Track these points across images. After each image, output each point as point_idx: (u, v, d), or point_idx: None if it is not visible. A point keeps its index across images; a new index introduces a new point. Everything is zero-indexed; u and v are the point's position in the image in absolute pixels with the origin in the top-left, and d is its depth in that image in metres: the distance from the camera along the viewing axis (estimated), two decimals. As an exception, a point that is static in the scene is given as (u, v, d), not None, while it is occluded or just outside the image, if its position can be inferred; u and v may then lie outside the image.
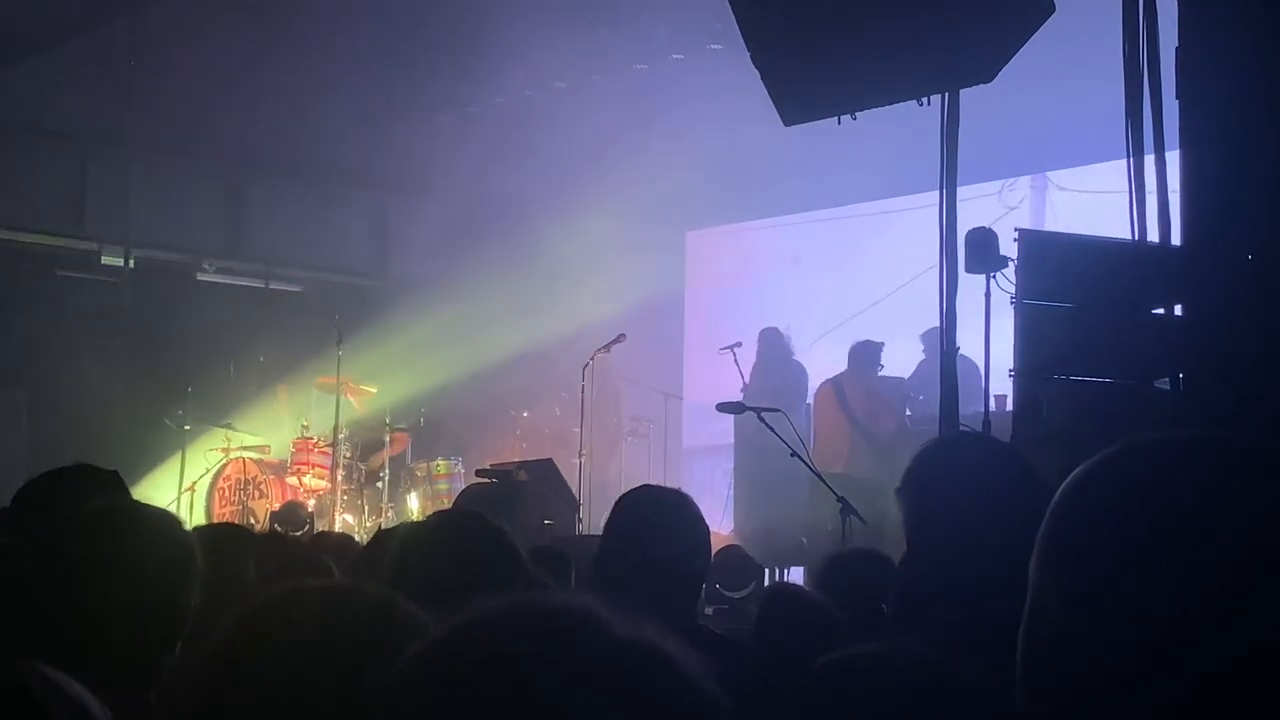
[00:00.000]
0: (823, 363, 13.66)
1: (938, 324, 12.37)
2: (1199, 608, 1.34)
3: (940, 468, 2.59)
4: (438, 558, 2.61)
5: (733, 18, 6.78)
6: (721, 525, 13.82)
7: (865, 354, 12.80)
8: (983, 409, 7.74)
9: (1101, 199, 12.96)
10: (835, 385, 12.44)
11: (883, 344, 12.95)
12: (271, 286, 17.05)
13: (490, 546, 2.70)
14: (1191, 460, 1.42)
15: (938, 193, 6.78)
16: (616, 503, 3.74)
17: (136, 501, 2.80)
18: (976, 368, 8.93)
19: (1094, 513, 1.41)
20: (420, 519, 2.74)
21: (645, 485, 3.94)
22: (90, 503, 2.78)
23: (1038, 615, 1.42)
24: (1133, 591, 1.35)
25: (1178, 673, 1.33)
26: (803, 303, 15.96)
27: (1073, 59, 10.26)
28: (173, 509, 12.77)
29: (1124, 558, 1.37)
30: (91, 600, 2.55)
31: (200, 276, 16.70)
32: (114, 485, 3.46)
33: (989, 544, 2.40)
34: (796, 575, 12.65)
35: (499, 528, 2.75)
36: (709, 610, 7.99)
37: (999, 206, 13.78)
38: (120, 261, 16.01)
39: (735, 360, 13.31)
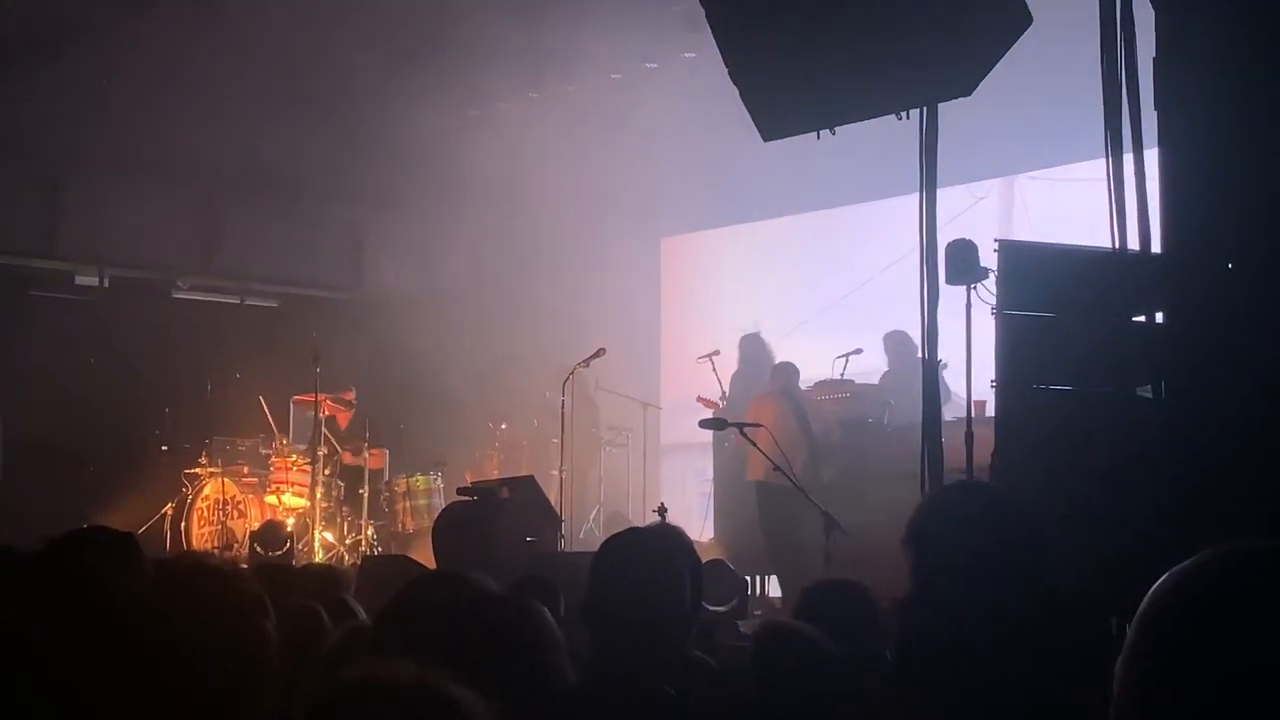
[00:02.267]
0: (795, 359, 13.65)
1: (895, 329, 12.61)
2: None
3: (945, 518, 2.57)
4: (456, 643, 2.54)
5: (708, 28, 6.78)
6: (701, 533, 13.83)
7: (792, 369, 12.78)
8: (964, 416, 7.74)
9: (1069, 190, 13.11)
10: (789, 399, 12.32)
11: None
12: (247, 303, 16.98)
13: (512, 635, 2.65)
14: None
15: (916, 199, 6.79)
16: (602, 549, 3.70)
17: (214, 568, 2.68)
18: (943, 369, 8.96)
19: (1198, 629, 1.38)
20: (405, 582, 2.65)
21: (632, 531, 3.89)
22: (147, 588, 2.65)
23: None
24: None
25: None
26: (777, 305, 15.97)
27: (1047, 63, 10.27)
28: (151, 530, 12.81)
29: (1235, 680, 1.33)
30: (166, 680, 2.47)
31: (175, 294, 16.62)
32: (131, 551, 3.40)
33: (994, 596, 2.39)
34: (777, 582, 12.65)
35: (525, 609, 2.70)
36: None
37: (968, 197, 13.80)
38: (94, 281, 15.95)
39: (714, 369, 13.31)
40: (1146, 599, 1.44)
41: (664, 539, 3.84)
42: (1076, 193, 12.02)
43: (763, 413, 11.62)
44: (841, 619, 4.00)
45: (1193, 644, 1.38)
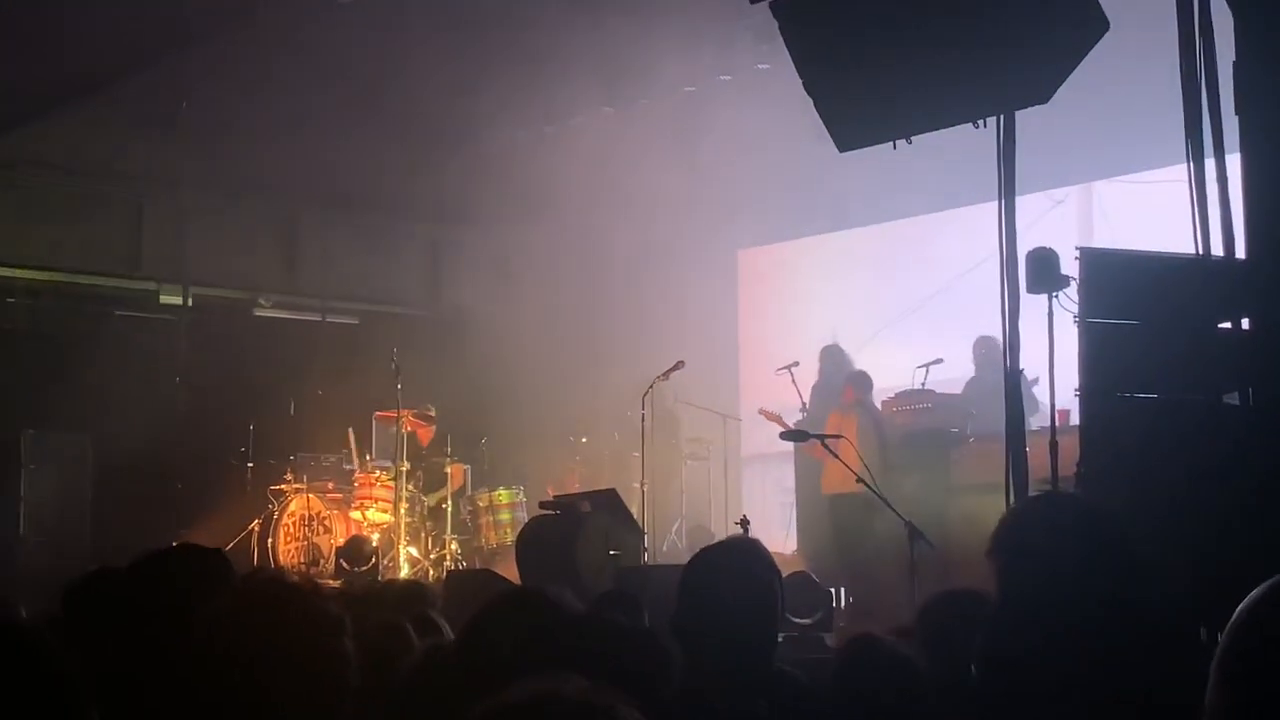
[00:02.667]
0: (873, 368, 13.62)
1: (984, 334, 12.52)
2: None
3: (1032, 530, 2.56)
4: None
5: (780, 40, 6.78)
6: (785, 545, 13.80)
7: (866, 380, 12.79)
8: (1048, 425, 7.69)
9: (1150, 193, 12.98)
10: (865, 409, 12.30)
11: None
12: (328, 320, 17.13)
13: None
14: None
15: (994, 207, 6.75)
16: (690, 564, 3.72)
17: (294, 592, 2.70)
18: (1029, 380, 8.90)
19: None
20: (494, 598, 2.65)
21: (719, 546, 3.90)
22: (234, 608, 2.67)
23: None
24: None
25: None
26: (853, 315, 15.92)
27: (1125, 69, 10.18)
28: (239, 547, 12.96)
29: None
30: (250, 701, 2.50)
31: (257, 312, 16.81)
32: (222, 568, 3.44)
33: (1082, 609, 2.38)
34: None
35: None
36: (779, 637, 7.94)
37: (1045, 201, 13.71)
38: (178, 300, 16.15)
39: (793, 380, 13.29)
40: (1240, 609, 1.44)
41: (747, 553, 3.84)
42: (1157, 196, 11.89)
43: (841, 424, 11.60)
44: (961, 632, 3.96)
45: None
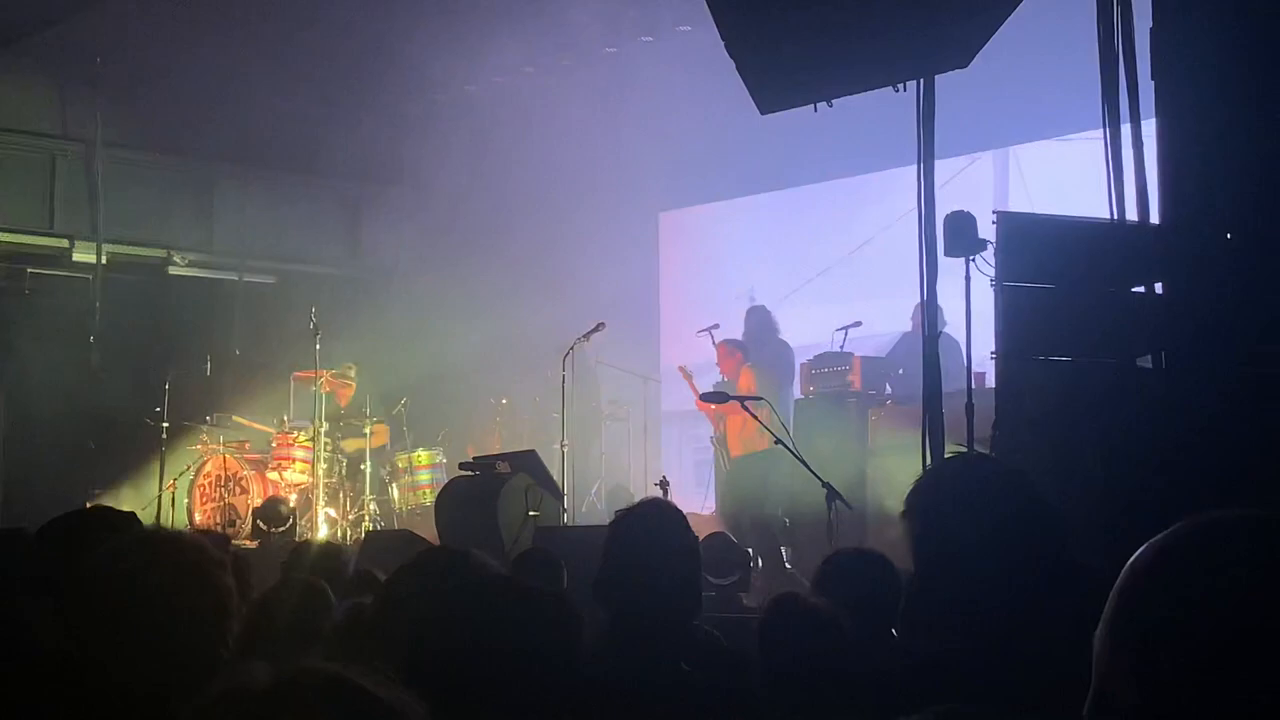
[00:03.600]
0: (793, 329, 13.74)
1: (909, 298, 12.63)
2: None
3: (945, 492, 2.58)
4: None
5: (703, 1, 6.77)
6: (704, 505, 13.87)
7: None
8: (965, 388, 7.75)
9: (1065, 157, 13.12)
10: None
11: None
12: (245, 279, 16.94)
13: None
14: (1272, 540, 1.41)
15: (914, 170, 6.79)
16: (613, 527, 3.71)
17: (173, 535, 2.74)
18: (959, 346, 8.97)
19: (1179, 598, 1.39)
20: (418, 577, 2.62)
21: (642, 507, 3.90)
22: (118, 550, 2.72)
23: (1106, 698, 1.41)
24: (1234, 683, 1.34)
25: None
26: (773, 276, 16.01)
27: (1044, 34, 10.26)
28: (153, 507, 12.84)
29: (1222, 648, 1.35)
30: (131, 649, 2.52)
31: (172, 270, 16.60)
32: (134, 528, 3.40)
33: (996, 568, 2.40)
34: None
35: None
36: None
37: (963, 159, 13.82)
38: (92, 258, 15.92)
39: (713, 342, 13.29)
40: (1125, 571, 1.46)
41: (666, 516, 3.85)
42: (1075, 157, 12.01)
43: (749, 383, 11.76)
44: (863, 590, 4.01)
45: (1170, 618, 1.40)
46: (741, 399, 10.03)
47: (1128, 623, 1.43)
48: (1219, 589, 1.38)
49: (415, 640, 2.53)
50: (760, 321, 13.56)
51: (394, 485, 14.09)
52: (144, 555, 2.64)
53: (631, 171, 16.13)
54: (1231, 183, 5.81)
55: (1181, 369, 5.90)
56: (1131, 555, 1.52)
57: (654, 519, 3.69)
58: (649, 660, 3.32)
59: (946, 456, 6.48)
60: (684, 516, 3.74)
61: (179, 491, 13.89)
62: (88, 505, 13.21)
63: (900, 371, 12.01)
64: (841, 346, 12.37)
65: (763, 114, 6.77)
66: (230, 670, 1.51)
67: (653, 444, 15.82)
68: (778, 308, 14.23)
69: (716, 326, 13.42)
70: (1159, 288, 6.29)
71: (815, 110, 6.70)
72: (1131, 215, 6.12)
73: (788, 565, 11.59)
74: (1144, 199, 6.12)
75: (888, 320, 13.30)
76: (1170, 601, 1.40)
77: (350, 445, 14.09)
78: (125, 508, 13.54)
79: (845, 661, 3.34)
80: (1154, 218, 6.18)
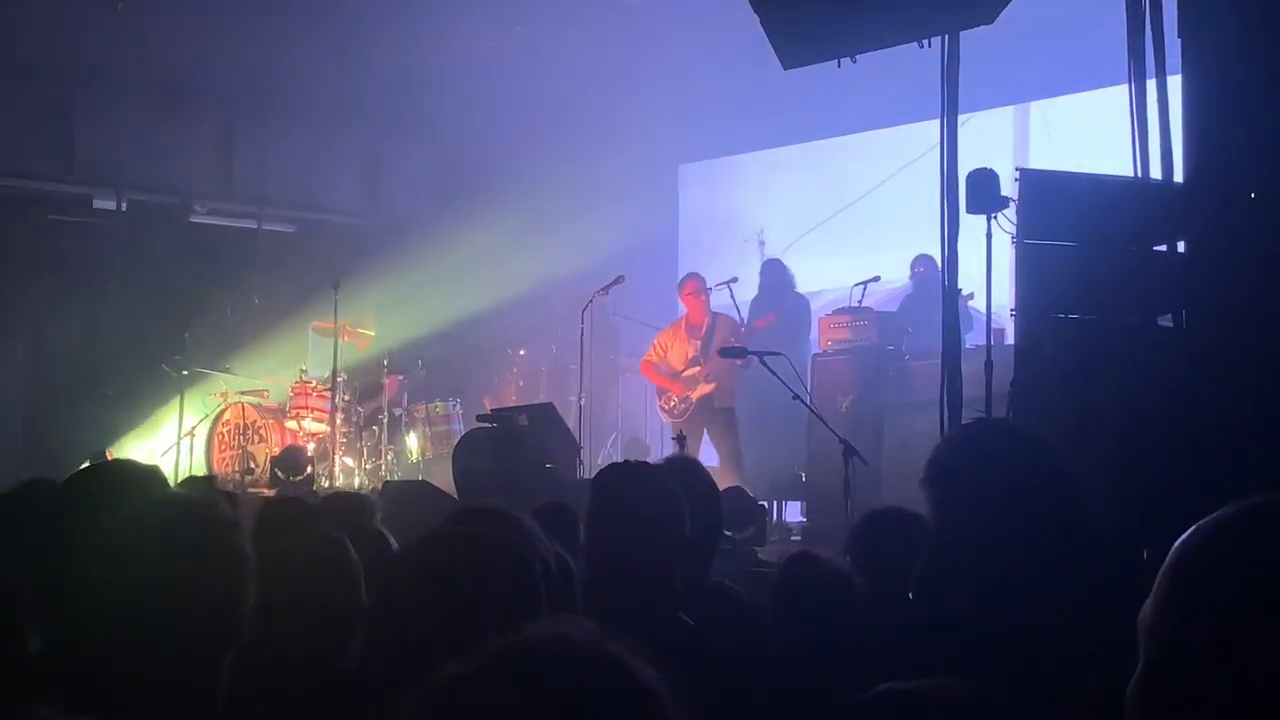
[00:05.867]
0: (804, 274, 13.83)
1: (923, 252, 12.61)
2: None
3: (963, 458, 2.58)
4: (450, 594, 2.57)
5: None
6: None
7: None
8: (984, 344, 7.75)
9: (1085, 108, 13.06)
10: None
11: None
12: (264, 227, 16.95)
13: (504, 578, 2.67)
14: None
15: (938, 125, 6.76)
16: (594, 486, 3.68)
17: (185, 500, 2.73)
18: (964, 297, 8.97)
19: (1230, 580, 1.40)
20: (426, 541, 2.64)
21: (621, 466, 3.84)
22: (134, 505, 2.71)
23: (1166, 681, 1.42)
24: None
25: None
26: (791, 228, 16.04)
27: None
28: (172, 455, 12.89)
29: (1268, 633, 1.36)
30: (144, 606, 2.51)
31: (193, 218, 16.62)
32: (157, 483, 3.41)
33: (1011, 535, 2.41)
34: (794, 509, 12.72)
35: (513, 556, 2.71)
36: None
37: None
38: (112, 205, 15.94)
39: (731, 296, 13.28)
40: (1175, 551, 1.46)
41: (657, 469, 3.84)
42: (1097, 112, 11.96)
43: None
44: (896, 551, 4.00)
45: (1223, 601, 1.40)
46: (760, 353, 10.03)
47: (1176, 601, 1.43)
48: (1264, 575, 1.39)
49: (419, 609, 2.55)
50: (777, 274, 13.55)
51: (411, 435, 14.13)
52: (152, 524, 2.63)
53: (651, 123, 16.09)
54: (1256, 143, 5.76)
55: (1200, 328, 5.87)
56: (1146, 515, 1.53)
57: (635, 477, 3.66)
58: (631, 613, 3.32)
59: (964, 423, 6.47)
60: (697, 468, 3.73)
61: (197, 439, 13.94)
62: (109, 455, 13.33)
63: (911, 331, 12.00)
64: (860, 301, 12.35)
65: (786, 69, 6.74)
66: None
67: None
68: (790, 255, 14.24)
69: (734, 280, 13.39)
70: (1181, 247, 6.25)
71: (839, 66, 6.67)
72: (1155, 173, 6.09)
73: (803, 518, 11.68)
74: (1168, 157, 6.08)
75: (906, 269, 13.32)
76: (1221, 584, 1.41)
77: (368, 395, 14.14)
78: (144, 454, 13.62)
79: (856, 621, 3.35)
80: (1177, 176, 6.14)
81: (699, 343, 12.72)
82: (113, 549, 2.57)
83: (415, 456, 14.05)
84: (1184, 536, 1.47)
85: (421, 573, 2.64)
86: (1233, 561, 1.42)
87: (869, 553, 3.90)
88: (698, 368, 12.63)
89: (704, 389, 12.58)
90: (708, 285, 13.13)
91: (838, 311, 12.27)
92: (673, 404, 12.79)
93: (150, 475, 3.39)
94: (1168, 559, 1.47)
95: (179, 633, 2.52)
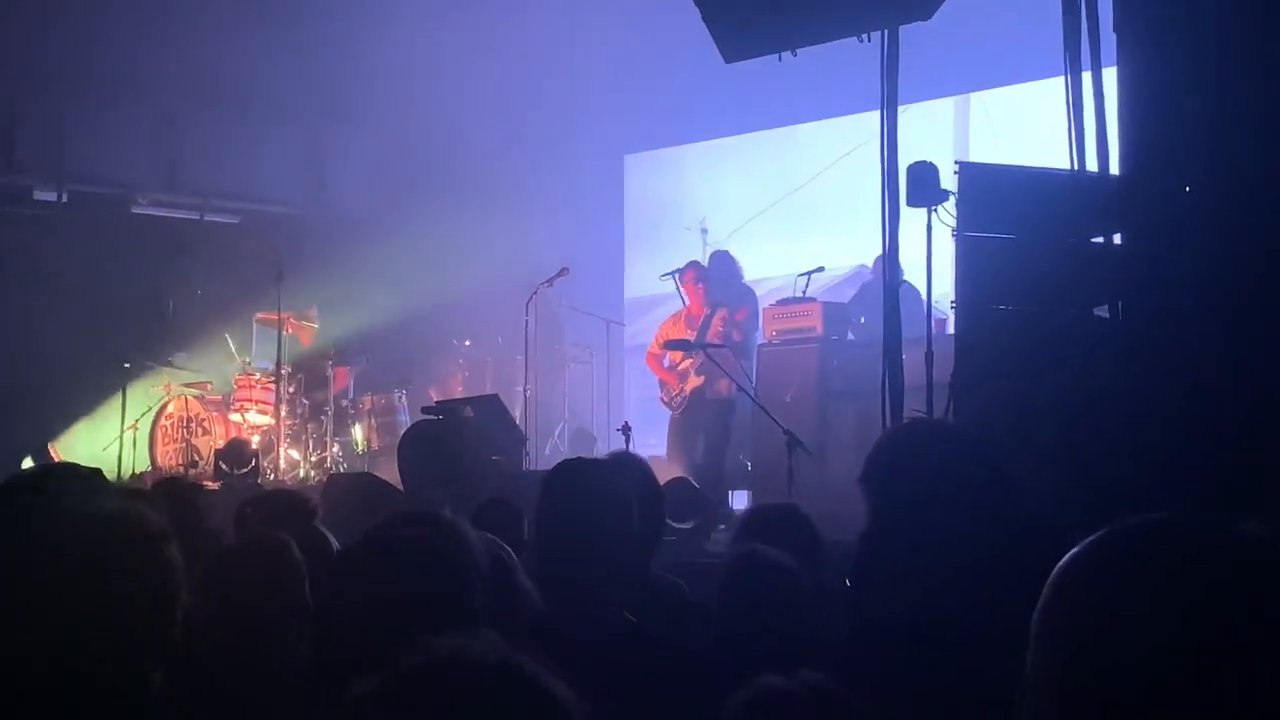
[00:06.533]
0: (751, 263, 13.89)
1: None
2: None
3: (901, 457, 2.63)
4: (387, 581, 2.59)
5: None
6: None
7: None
8: (925, 335, 7.82)
9: (1026, 100, 13.20)
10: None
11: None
12: (207, 219, 16.84)
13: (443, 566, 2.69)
14: (1185, 550, 1.43)
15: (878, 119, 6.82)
16: (543, 484, 3.69)
17: (104, 516, 2.69)
18: (918, 294, 9.03)
19: (1089, 606, 1.42)
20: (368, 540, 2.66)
21: (571, 463, 3.86)
22: (52, 523, 2.67)
23: (1033, 709, 1.44)
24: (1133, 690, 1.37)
25: None
26: (737, 218, 16.13)
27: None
28: (115, 449, 12.80)
29: (1125, 655, 1.38)
30: (70, 623, 2.49)
31: (135, 210, 16.49)
32: (97, 488, 3.38)
33: (944, 536, 2.45)
34: (741, 498, 12.77)
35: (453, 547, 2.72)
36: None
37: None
38: (53, 196, 15.81)
39: (677, 286, 13.31)
40: (1058, 568, 1.48)
41: (608, 466, 3.86)
42: (1034, 104, 12.08)
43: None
44: (788, 543, 4.05)
45: (1084, 629, 1.42)
46: (705, 347, 10.07)
47: (1054, 616, 1.45)
48: (1129, 605, 1.40)
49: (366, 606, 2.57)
50: (724, 265, 13.57)
51: (357, 427, 14.09)
52: (70, 543, 2.59)
53: (597, 114, 16.11)
54: (1189, 136, 5.84)
55: (1135, 318, 5.96)
56: (1084, 508, 1.55)
57: (584, 474, 3.68)
58: (583, 611, 3.34)
59: (905, 420, 6.54)
60: (639, 463, 3.76)
61: (140, 432, 13.85)
62: (53, 450, 13.25)
63: (862, 320, 12.06)
64: (805, 291, 12.41)
65: (727, 63, 6.78)
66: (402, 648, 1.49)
67: (615, 387, 15.87)
68: (733, 243, 14.30)
69: (680, 270, 13.41)
70: (1117, 239, 6.34)
71: (780, 60, 6.71)
72: (1092, 165, 6.17)
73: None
74: (1104, 149, 6.16)
75: (848, 257, 13.42)
76: (1085, 611, 1.42)
77: (314, 387, 14.07)
78: (87, 448, 13.50)
79: (802, 619, 3.39)
80: (1114, 168, 6.22)
81: (695, 334, 12.50)
82: (24, 569, 2.53)
83: (361, 448, 14.00)
84: (1067, 555, 1.49)
85: (358, 578, 2.65)
86: (1095, 592, 1.43)
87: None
88: (689, 360, 12.43)
89: (695, 381, 12.42)
90: (682, 275, 13.08)
91: (782, 302, 12.33)
92: (671, 396, 12.70)
93: (90, 480, 3.37)
94: (1052, 575, 1.49)
95: (98, 651, 2.47)
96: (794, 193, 15.78)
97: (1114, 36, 6.08)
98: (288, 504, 4.32)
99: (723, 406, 12.29)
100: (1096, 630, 1.40)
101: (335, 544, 4.01)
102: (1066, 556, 1.47)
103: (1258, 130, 5.60)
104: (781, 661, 2.65)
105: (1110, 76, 6.13)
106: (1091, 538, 1.47)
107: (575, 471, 3.69)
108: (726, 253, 13.84)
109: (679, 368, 12.66)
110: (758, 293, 13.35)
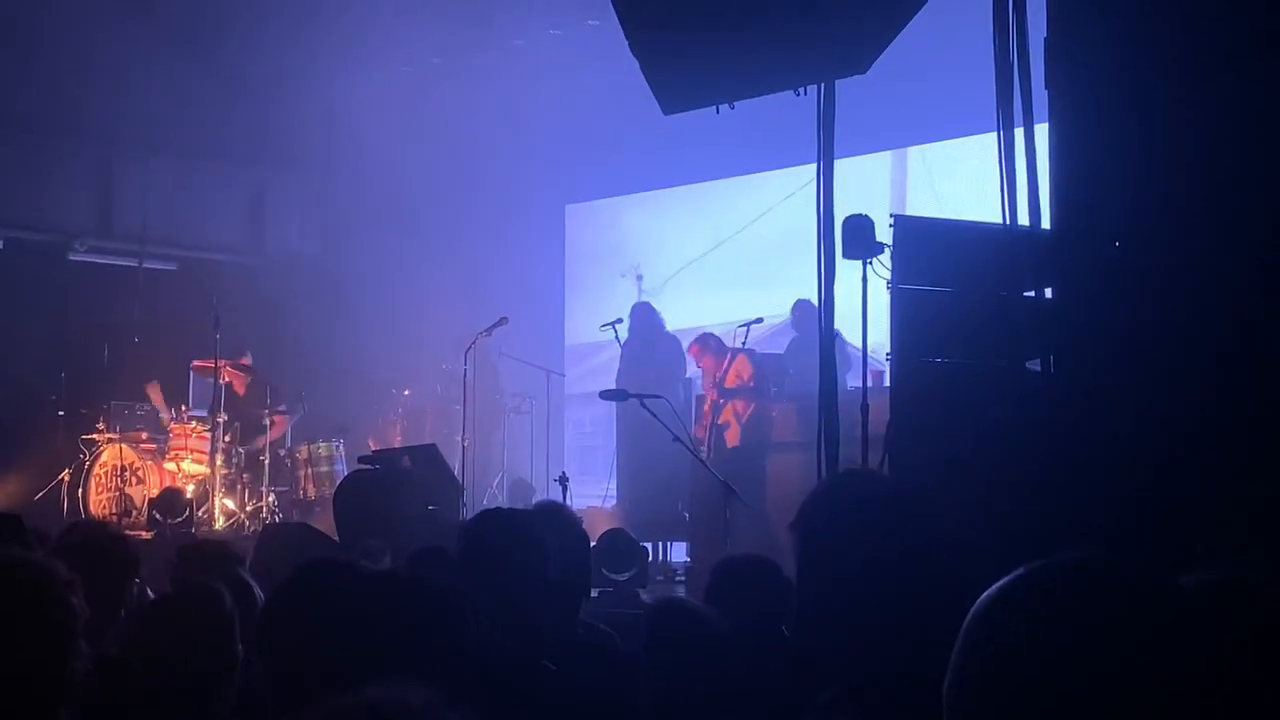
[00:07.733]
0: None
1: (802, 297, 12.77)
2: None
3: (827, 513, 2.64)
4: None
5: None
6: (604, 501, 13.93)
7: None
8: (860, 385, 7.88)
9: (963, 154, 13.36)
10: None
11: None
12: (145, 266, 16.75)
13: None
14: (1081, 593, 1.46)
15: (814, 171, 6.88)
16: (461, 537, 3.70)
17: (12, 560, 2.69)
18: (845, 341, 9.12)
19: (994, 645, 1.45)
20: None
21: (485, 516, 3.87)
22: None
23: None
24: None
25: None
26: (674, 268, 16.24)
27: (942, 39, 10.41)
28: (49, 496, 12.64)
29: (1019, 693, 1.40)
30: None
31: (72, 256, 16.38)
32: (16, 532, 3.36)
33: (882, 582, 2.47)
34: (680, 549, 12.77)
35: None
36: (595, 593, 8.04)
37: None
38: (-13, 242, 15.69)
39: (616, 336, 13.36)
40: (976, 605, 1.51)
41: (527, 515, 3.86)
42: (970, 158, 12.24)
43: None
44: (753, 595, 4.06)
45: (1003, 665, 1.45)
46: (640, 396, 10.09)
47: (969, 654, 1.48)
48: (1036, 647, 1.43)
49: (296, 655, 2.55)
50: (645, 317, 13.65)
51: (293, 477, 13.99)
52: None
53: (539, 164, 16.17)
54: (1119, 193, 5.93)
55: (1065, 372, 6.02)
56: (1013, 560, 1.57)
57: (497, 526, 3.69)
58: (515, 659, 3.35)
59: (838, 472, 6.58)
60: (566, 514, 3.75)
61: (75, 481, 13.70)
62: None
63: (792, 372, 12.14)
64: (744, 342, 12.47)
65: (666, 114, 6.83)
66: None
67: (555, 437, 15.87)
68: (669, 291, 14.38)
69: (620, 321, 13.48)
70: (1049, 292, 6.41)
71: (718, 112, 6.77)
72: (1025, 219, 6.24)
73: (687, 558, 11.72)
74: (1035, 204, 6.24)
75: (785, 308, 13.52)
76: (996, 654, 1.45)
77: (250, 435, 13.98)
78: (19, 496, 13.32)
79: (725, 663, 3.40)
80: (1045, 223, 6.29)
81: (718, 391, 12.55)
82: None
83: (297, 498, 13.91)
84: (985, 593, 1.52)
85: (278, 629, 2.64)
86: (1006, 634, 1.46)
87: (729, 599, 3.96)
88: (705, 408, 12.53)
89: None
90: (612, 326, 13.16)
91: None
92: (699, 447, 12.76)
93: (7, 526, 3.35)
94: (971, 610, 1.52)
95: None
96: (724, 243, 15.91)
97: (1045, 94, 6.17)
98: (218, 553, 4.29)
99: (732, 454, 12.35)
100: (994, 670, 1.43)
101: (260, 594, 3.99)
102: (974, 605, 1.50)
103: (1186, 189, 5.69)
104: (707, 708, 2.66)
105: (1042, 132, 6.22)
106: (995, 585, 1.50)
107: (493, 520, 3.69)
108: (647, 304, 14.01)
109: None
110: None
